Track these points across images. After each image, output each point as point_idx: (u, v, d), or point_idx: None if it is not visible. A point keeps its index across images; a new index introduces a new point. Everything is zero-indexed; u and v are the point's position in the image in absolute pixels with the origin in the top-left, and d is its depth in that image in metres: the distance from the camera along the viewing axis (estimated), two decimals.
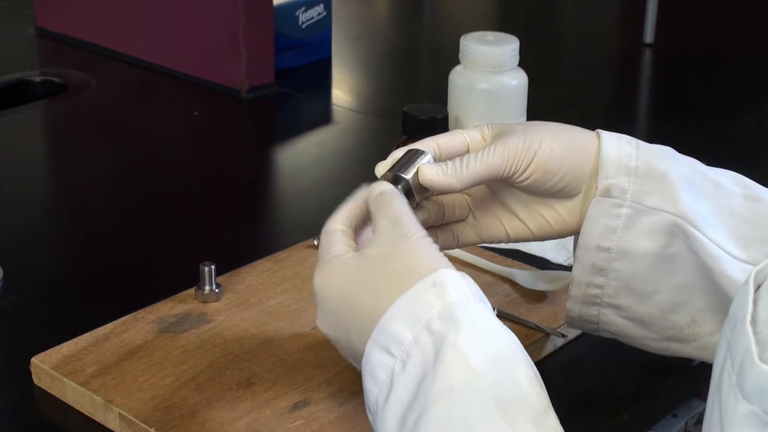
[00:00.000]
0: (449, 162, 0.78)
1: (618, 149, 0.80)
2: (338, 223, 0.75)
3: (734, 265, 0.77)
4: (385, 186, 0.75)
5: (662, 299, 0.81)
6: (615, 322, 0.83)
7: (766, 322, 0.50)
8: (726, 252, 0.78)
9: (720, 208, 0.79)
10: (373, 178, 0.78)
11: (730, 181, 0.81)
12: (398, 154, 0.79)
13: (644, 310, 0.82)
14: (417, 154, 0.78)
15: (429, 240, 0.71)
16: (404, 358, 0.66)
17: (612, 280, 0.81)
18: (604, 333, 0.85)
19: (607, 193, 0.80)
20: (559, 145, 0.80)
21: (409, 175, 0.77)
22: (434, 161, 0.78)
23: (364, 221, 0.76)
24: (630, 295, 0.81)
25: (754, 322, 0.50)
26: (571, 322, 0.86)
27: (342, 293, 0.71)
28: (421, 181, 0.77)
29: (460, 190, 0.79)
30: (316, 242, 1.04)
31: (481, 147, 0.80)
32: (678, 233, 0.79)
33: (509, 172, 0.79)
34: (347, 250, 0.73)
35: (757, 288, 0.52)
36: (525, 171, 0.79)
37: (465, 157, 0.78)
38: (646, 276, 0.80)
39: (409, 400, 0.65)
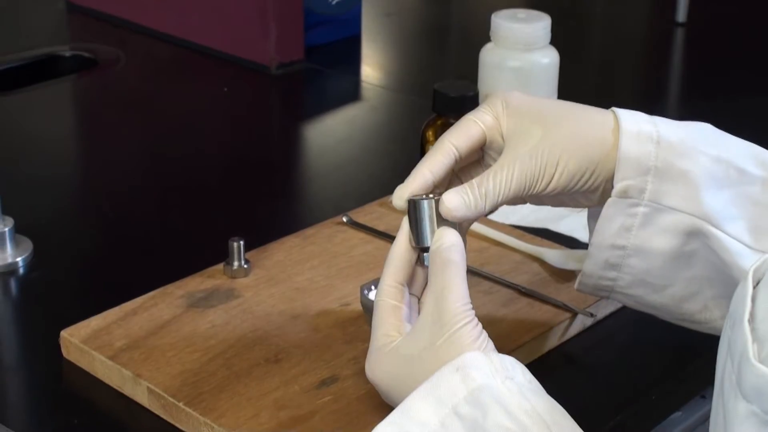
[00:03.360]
0: (464, 196, 0.77)
1: (637, 147, 0.77)
2: (388, 295, 0.76)
3: (751, 257, 0.76)
4: (447, 238, 0.75)
5: (675, 291, 0.80)
6: (628, 304, 0.84)
7: (763, 319, 0.50)
8: (743, 244, 0.77)
9: (741, 196, 0.78)
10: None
11: (755, 164, 0.79)
12: (407, 194, 0.77)
13: (657, 300, 0.81)
14: (426, 208, 0.77)
15: (466, 330, 0.71)
16: None
17: (625, 274, 0.81)
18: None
19: (623, 194, 0.78)
20: (576, 161, 0.77)
21: (429, 242, 0.76)
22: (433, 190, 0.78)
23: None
24: (643, 287, 0.81)
25: (752, 319, 0.50)
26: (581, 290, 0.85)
27: (385, 384, 0.75)
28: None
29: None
30: (344, 219, 1.04)
31: (496, 128, 0.80)
32: (696, 233, 0.77)
33: (528, 193, 0.78)
34: (393, 336, 0.75)
35: (756, 284, 0.52)
36: (545, 189, 0.78)
37: (483, 189, 0.77)
38: (661, 271, 0.80)
39: None
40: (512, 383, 0.68)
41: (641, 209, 0.78)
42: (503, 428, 0.65)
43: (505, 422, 0.65)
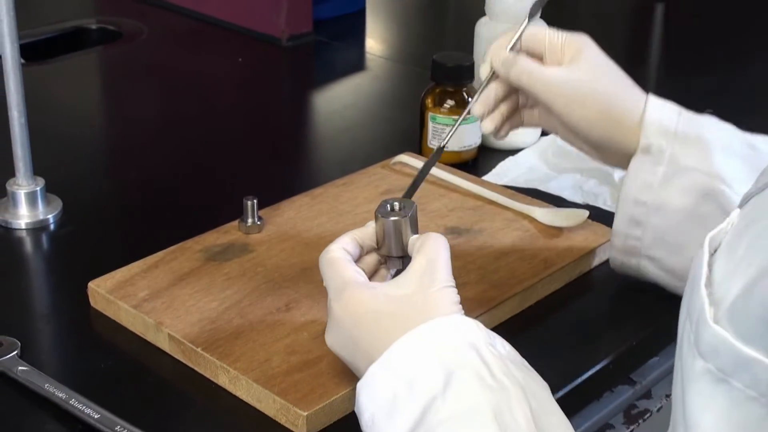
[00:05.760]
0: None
1: (660, 113, 0.84)
2: (341, 253, 0.75)
3: None
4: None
5: (692, 252, 0.81)
6: (652, 272, 0.86)
7: (719, 284, 0.50)
8: None
9: (752, 167, 0.80)
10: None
11: (764, 142, 0.83)
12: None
13: (677, 263, 0.84)
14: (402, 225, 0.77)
15: (453, 291, 0.71)
16: (410, 382, 0.66)
17: (648, 231, 0.84)
18: (647, 279, 0.88)
19: (646, 151, 0.83)
20: (598, 118, 0.85)
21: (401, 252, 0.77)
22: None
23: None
24: (664, 248, 0.84)
25: (709, 283, 0.51)
26: (615, 269, 0.89)
27: (359, 320, 0.72)
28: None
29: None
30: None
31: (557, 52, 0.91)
32: (710, 192, 0.81)
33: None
34: (364, 279, 0.74)
35: (713, 252, 0.52)
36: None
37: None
38: (679, 230, 0.83)
39: (414, 424, 0.65)
40: (494, 349, 0.68)
41: (662, 168, 0.82)
42: (479, 378, 0.65)
43: (484, 375, 0.65)
